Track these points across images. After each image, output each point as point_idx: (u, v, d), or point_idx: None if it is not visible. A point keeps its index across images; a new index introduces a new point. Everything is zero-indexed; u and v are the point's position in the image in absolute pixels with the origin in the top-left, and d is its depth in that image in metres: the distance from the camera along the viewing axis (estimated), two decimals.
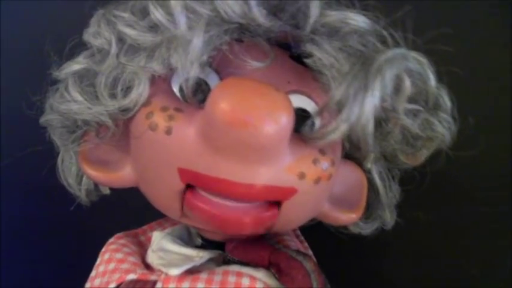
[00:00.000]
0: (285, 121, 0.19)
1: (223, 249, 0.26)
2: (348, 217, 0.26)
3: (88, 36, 0.24)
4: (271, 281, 0.24)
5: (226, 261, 0.26)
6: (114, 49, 0.22)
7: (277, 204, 0.23)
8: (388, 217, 0.28)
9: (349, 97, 0.20)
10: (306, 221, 0.26)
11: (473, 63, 0.37)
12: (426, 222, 0.32)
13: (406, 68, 0.22)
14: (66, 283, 0.32)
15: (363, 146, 0.22)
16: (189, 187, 0.22)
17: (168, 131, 0.21)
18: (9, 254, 0.46)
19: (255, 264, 0.24)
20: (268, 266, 0.24)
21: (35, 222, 0.45)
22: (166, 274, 0.23)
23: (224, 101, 0.18)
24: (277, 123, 0.18)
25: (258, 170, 0.20)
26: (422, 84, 0.23)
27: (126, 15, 0.23)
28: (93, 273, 0.26)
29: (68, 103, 0.23)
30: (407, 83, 0.22)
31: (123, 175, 0.24)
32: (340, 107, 0.20)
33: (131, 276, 0.24)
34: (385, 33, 0.23)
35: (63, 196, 0.28)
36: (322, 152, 0.22)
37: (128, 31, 0.22)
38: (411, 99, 0.23)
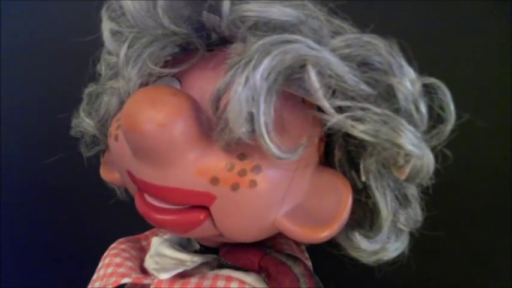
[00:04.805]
0: (171, 124, 0.19)
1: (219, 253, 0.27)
2: (312, 234, 0.22)
3: (98, 65, 0.28)
4: (260, 286, 0.24)
5: (220, 266, 0.26)
6: (103, 73, 0.27)
7: (207, 209, 0.22)
8: (392, 248, 0.25)
9: (223, 91, 0.20)
10: (256, 231, 0.23)
11: (473, 64, 0.37)
12: (426, 223, 0.32)
13: (303, 56, 0.19)
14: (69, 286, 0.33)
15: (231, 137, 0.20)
16: None
17: (116, 137, 0.24)
18: (10, 257, 0.47)
19: (246, 269, 0.25)
20: (259, 271, 0.25)
21: (37, 225, 0.46)
22: (158, 278, 0.24)
23: (123, 109, 0.20)
24: (160, 127, 0.19)
25: (166, 172, 0.21)
26: (378, 76, 0.21)
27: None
28: (94, 276, 0.28)
29: (77, 118, 0.29)
30: (312, 74, 0.19)
31: (116, 176, 0.28)
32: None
33: (126, 280, 0.25)
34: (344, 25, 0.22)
35: (65, 200, 0.30)
36: (241, 156, 0.21)
37: (106, 56, 0.26)
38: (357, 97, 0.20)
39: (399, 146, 0.20)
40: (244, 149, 0.21)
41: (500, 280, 0.37)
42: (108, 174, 0.28)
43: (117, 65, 0.25)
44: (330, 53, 0.20)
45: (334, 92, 0.20)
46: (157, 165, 0.21)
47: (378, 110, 0.20)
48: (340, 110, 0.20)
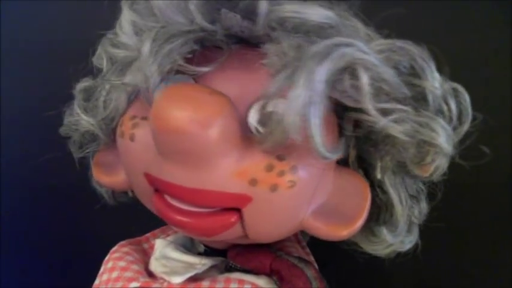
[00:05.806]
0: (211, 124, 0.19)
1: (225, 256, 0.26)
2: (336, 231, 0.22)
3: (94, 58, 0.27)
4: None
5: (229, 268, 0.26)
6: (105, 67, 0.26)
7: (238, 211, 0.22)
8: (407, 240, 0.25)
9: (276, 93, 0.19)
10: (285, 230, 0.24)
11: (472, 64, 0.37)
12: (426, 223, 0.32)
13: (356, 60, 0.20)
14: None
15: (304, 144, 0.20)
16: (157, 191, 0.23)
17: (132, 138, 0.22)
18: (9, 258, 0.46)
19: (257, 272, 0.25)
20: (270, 273, 0.25)
21: (37, 228, 0.45)
22: (169, 282, 0.24)
23: (155, 109, 0.19)
24: (202, 127, 0.18)
25: (202, 174, 0.20)
26: (411, 80, 0.21)
27: (113, 36, 0.25)
28: (96, 282, 0.26)
29: (72, 116, 0.27)
30: (363, 78, 0.20)
31: (120, 179, 0.26)
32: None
33: (134, 285, 0.24)
34: (368, 31, 0.23)
35: (65, 204, 0.29)
36: (280, 157, 0.21)
37: (110, 50, 0.25)
38: (394, 99, 0.21)
39: (436, 145, 0.21)
40: (282, 150, 0.20)
41: (500, 280, 0.38)
42: (106, 177, 0.26)
43: (124, 60, 0.24)
44: (375, 57, 0.20)
45: (377, 94, 0.21)
46: (192, 167, 0.20)
47: (416, 111, 0.21)
48: (382, 112, 0.21)
